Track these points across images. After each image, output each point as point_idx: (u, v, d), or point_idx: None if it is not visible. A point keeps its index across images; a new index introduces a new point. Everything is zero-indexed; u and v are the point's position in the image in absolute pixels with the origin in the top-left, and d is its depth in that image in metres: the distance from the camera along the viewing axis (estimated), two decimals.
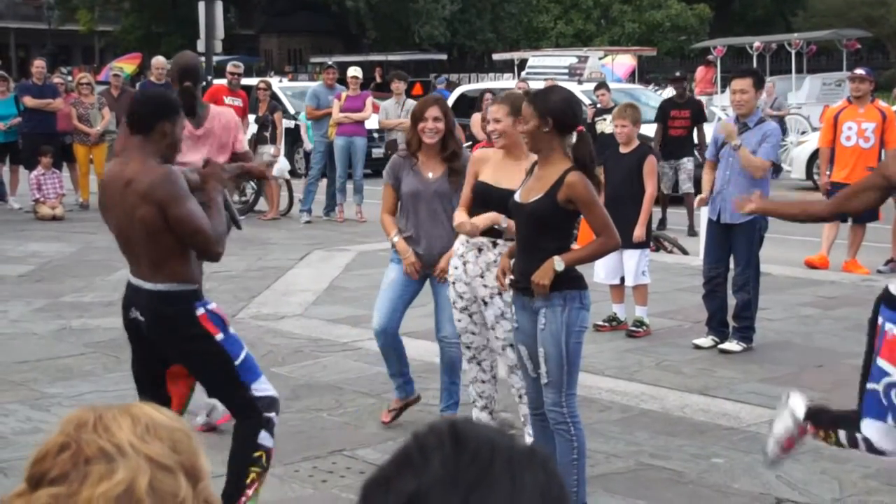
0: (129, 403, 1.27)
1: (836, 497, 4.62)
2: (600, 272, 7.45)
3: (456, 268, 4.96)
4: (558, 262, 4.10)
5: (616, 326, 7.50)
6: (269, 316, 8.06)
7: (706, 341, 7.08)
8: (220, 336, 4.04)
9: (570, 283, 4.20)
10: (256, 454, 4.06)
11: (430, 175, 5.27)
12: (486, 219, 4.75)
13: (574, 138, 4.23)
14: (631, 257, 7.39)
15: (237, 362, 4.06)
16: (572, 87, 15.90)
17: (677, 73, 13.74)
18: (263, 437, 4.07)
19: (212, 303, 4.11)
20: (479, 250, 4.87)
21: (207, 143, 5.85)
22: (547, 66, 19.80)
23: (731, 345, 6.98)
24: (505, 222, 4.71)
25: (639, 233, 7.27)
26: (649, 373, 6.51)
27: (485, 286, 4.87)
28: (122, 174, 3.98)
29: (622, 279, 7.53)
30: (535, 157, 4.78)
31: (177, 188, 3.91)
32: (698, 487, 4.74)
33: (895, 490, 4.71)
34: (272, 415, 4.12)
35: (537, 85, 15.46)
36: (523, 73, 20.10)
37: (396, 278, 5.38)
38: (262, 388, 4.12)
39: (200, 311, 4.04)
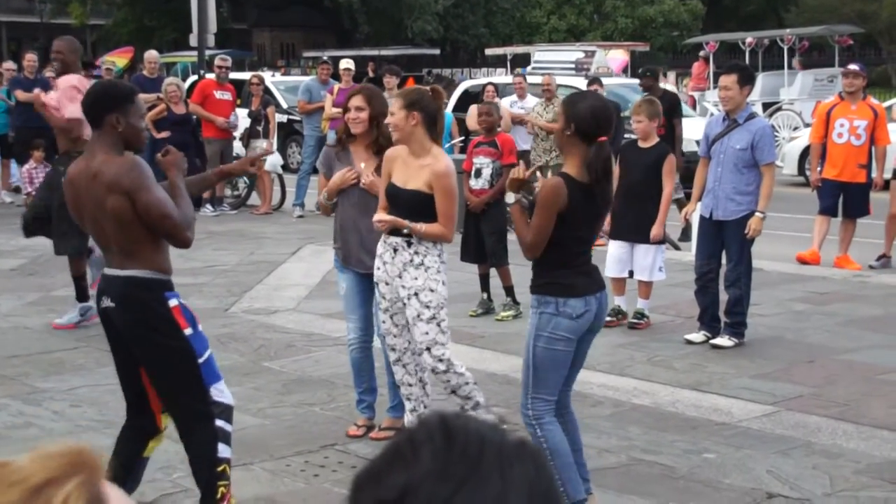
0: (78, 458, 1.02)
1: (827, 492, 4.64)
2: (611, 266, 7.42)
3: (378, 268, 4.89)
4: (509, 196, 4.26)
5: (621, 319, 7.52)
6: (262, 310, 8.06)
7: (698, 336, 7.09)
8: (188, 331, 4.03)
9: (545, 288, 4.17)
10: (219, 469, 4.05)
11: (362, 165, 5.20)
12: (392, 220, 4.73)
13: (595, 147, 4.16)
14: (646, 253, 7.38)
15: (201, 360, 4.04)
16: (578, 82, 15.58)
17: (640, 70, 12.99)
18: (222, 450, 4.06)
19: (182, 299, 4.12)
20: (395, 250, 4.80)
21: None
22: (553, 60, 19.28)
23: (723, 340, 7.00)
24: (406, 227, 4.68)
25: (657, 231, 7.28)
26: (641, 368, 6.53)
27: (403, 287, 4.79)
28: (87, 168, 4.01)
29: (630, 273, 7.52)
30: (435, 150, 4.80)
31: (142, 176, 3.94)
32: (690, 482, 4.75)
33: (886, 485, 4.73)
34: (224, 424, 4.07)
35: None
36: (529, 68, 19.61)
37: (349, 288, 5.30)
38: (219, 392, 4.10)
39: (174, 303, 4.04)
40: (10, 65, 14.70)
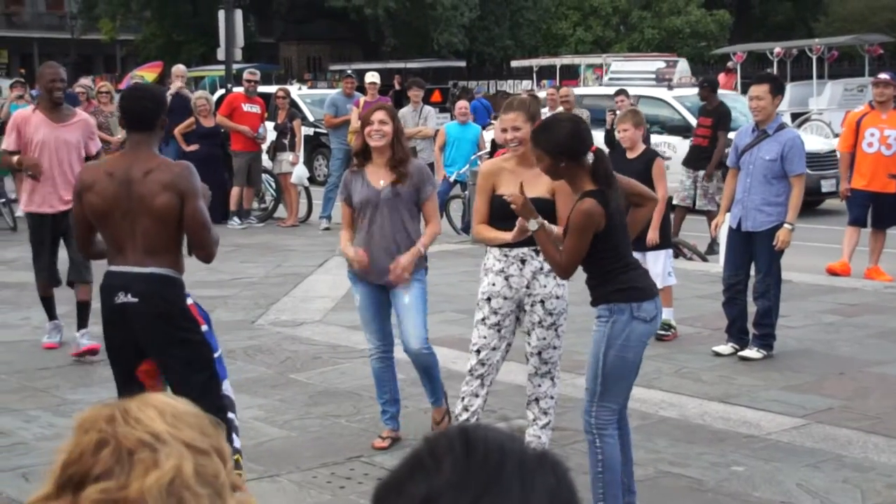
0: (144, 395, 1.26)
1: None
2: None
3: (493, 284, 4.87)
4: (532, 223, 4.26)
5: None
6: (288, 322, 8.08)
7: (726, 348, 7.04)
8: (204, 327, 4.20)
9: (619, 295, 4.18)
10: (234, 458, 4.17)
11: (381, 182, 5.17)
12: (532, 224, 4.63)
13: (590, 158, 4.18)
14: (655, 260, 7.33)
15: (215, 355, 4.19)
16: (661, 92, 15.11)
17: (697, 78, 12.75)
18: (234, 440, 4.18)
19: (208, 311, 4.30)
20: (523, 261, 4.84)
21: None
22: (631, 71, 18.21)
23: (752, 352, 6.94)
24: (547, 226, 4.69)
25: (651, 236, 7.20)
26: (669, 380, 6.48)
27: (529, 294, 4.84)
28: (134, 165, 4.19)
29: None
30: None
31: (196, 183, 4.18)
32: (718, 495, 4.71)
33: None
34: (233, 416, 4.25)
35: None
36: (606, 79, 18.84)
37: (364, 298, 5.28)
38: (227, 388, 4.27)
39: (189, 301, 4.19)
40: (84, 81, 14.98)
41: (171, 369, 4.20)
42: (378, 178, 5.19)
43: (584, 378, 4.34)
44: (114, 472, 1.16)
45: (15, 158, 7.05)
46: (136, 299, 4.12)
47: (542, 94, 14.73)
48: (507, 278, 4.85)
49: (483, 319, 4.90)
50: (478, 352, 4.92)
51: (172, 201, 4.10)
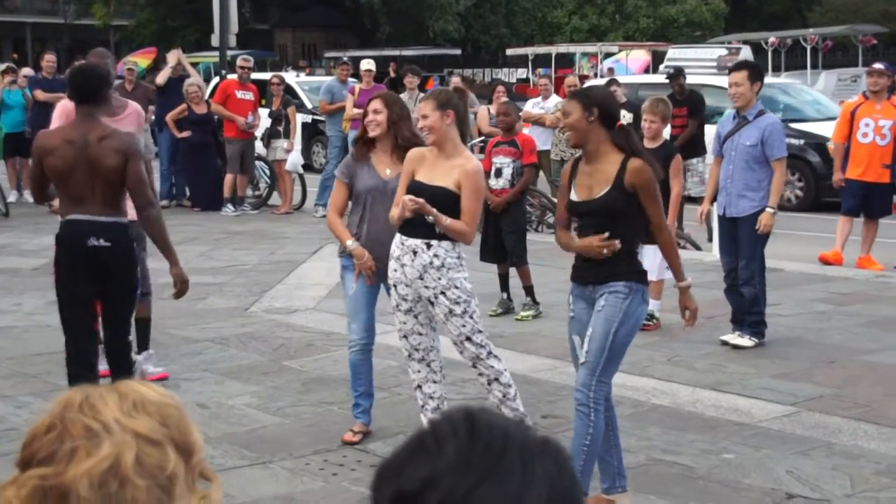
0: (119, 381, 1.26)
1: (847, 493, 4.61)
2: None
3: (395, 270, 4.85)
4: (684, 282, 4.47)
5: None
6: (282, 310, 8.09)
7: (733, 337, 7.02)
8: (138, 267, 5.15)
9: (638, 276, 4.30)
10: None
11: (388, 172, 5.12)
12: (423, 203, 4.60)
13: (616, 131, 4.31)
14: (655, 253, 7.34)
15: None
16: (722, 81, 14.94)
17: (671, 70, 12.49)
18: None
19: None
20: (415, 253, 4.78)
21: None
22: (690, 58, 17.55)
23: (743, 340, 6.96)
24: (433, 215, 4.64)
25: None
26: (661, 368, 6.51)
27: (426, 287, 4.79)
28: (89, 131, 4.89)
29: None
30: (466, 152, 4.90)
31: (140, 147, 5.07)
32: (709, 483, 4.74)
33: None
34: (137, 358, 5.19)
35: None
36: (662, 66, 17.92)
37: (359, 287, 5.21)
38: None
39: None
40: (50, 56, 15.06)
41: (122, 302, 4.97)
42: (384, 166, 5.15)
43: (583, 352, 4.30)
44: (55, 458, 1.16)
45: None
46: (108, 243, 4.85)
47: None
48: (402, 266, 4.82)
49: (397, 306, 4.92)
50: (405, 337, 4.95)
51: (120, 162, 4.86)
